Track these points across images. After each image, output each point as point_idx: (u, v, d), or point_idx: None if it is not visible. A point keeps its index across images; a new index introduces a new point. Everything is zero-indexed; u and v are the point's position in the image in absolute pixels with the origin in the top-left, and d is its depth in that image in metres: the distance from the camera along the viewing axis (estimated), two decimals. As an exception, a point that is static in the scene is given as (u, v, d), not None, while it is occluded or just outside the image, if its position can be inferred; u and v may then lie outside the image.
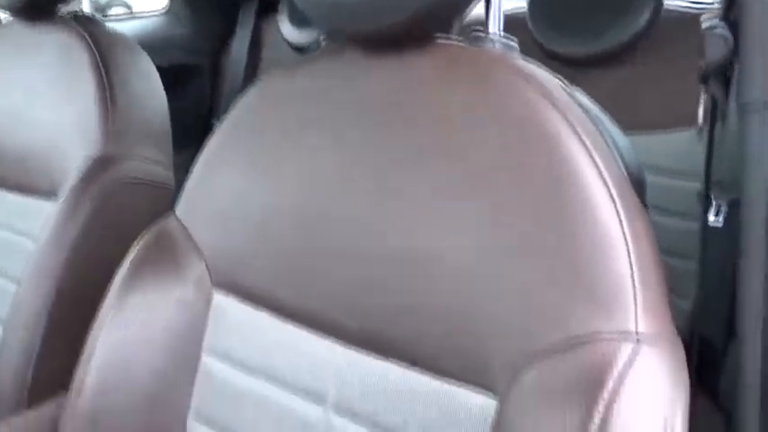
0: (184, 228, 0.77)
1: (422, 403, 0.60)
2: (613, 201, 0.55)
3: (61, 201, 1.02)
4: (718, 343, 0.89)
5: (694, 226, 0.82)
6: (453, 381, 0.59)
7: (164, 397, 0.74)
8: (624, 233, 0.55)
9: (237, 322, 0.72)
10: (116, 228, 1.01)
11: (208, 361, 0.74)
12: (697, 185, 0.88)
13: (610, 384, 0.50)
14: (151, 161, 1.10)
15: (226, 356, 0.73)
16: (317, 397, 0.66)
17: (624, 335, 0.52)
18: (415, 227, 0.61)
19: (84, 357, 0.74)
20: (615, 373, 0.50)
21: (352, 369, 0.64)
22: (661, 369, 0.52)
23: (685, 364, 0.55)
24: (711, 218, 0.87)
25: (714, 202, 0.84)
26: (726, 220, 0.85)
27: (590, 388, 0.50)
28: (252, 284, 0.71)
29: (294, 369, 0.68)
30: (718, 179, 0.91)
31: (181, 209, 0.78)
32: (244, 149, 0.74)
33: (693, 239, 0.84)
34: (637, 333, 0.53)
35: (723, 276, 0.91)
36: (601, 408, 0.49)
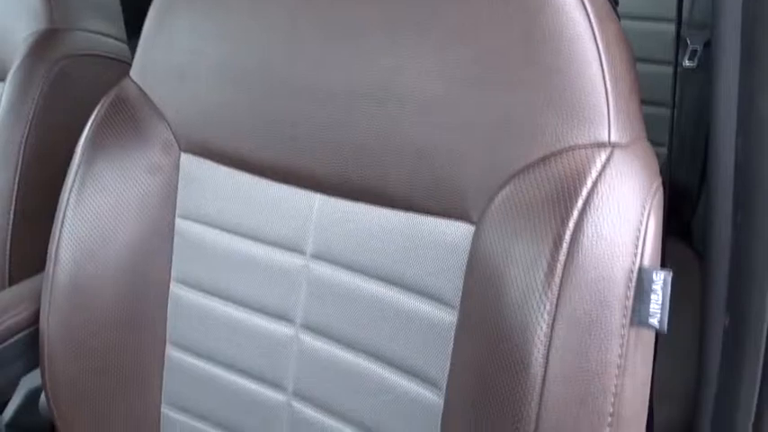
0: (141, 90, 0.74)
1: (398, 237, 0.61)
2: (584, 6, 0.53)
3: (11, 79, 0.97)
4: (692, 187, 0.90)
5: (669, 71, 0.80)
6: (429, 215, 0.59)
7: (142, 265, 0.74)
8: (596, 40, 0.53)
9: (209, 182, 0.71)
10: (73, 103, 0.97)
11: (183, 225, 0.73)
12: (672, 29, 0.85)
13: (584, 192, 0.50)
14: (102, 34, 1.05)
15: (201, 218, 0.72)
16: (296, 247, 0.67)
17: (598, 145, 0.52)
18: (377, 60, 0.59)
19: (56, 231, 0.73)
20: (589, 181, 0.51)
21: (327, 215, 0.64)
22: (634, 175, 0.52)
23: (658, 171, 0.55)
24: (686, 62, 0.85)
25: (690, 46, 0.82)
26: (700, 62, 0.83)
27: (564, 197, 0.51)
28: (219, 142, 0.69)
29: (270, 222, 0.68)
30: (692, 20, 0.88)
31: (135, 71, 0.75)
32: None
33: (668, 85, 0.82)
34: (610, 143, 0.52)
35: (698, 121, 0.90)
36: (575, 215, 0.50)
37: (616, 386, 0.50)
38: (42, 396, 0.86)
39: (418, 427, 0.60)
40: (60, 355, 0.76)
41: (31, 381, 0.87)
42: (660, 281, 0.50)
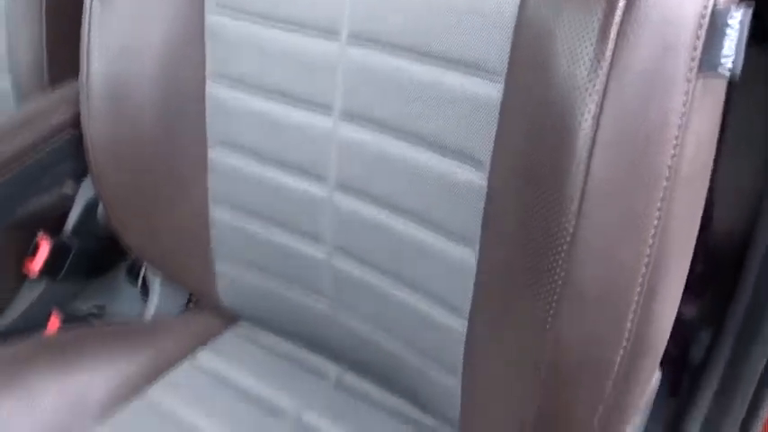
0: None
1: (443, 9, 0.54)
2: None
3: None
4: None
5: None
6: None
7: (175, 67, 0.71)
8: None
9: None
10: None
11: (214, 20, 0.69)
12: None
13: None
14: None
15: (232, 13, 0.67)
16: (332, 30, 0.61)
17: None
18: None
19: (84, 37, 0.71)
20: None
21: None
22: None
23: None
24: None
25: None
26: None
27: None
28: None
29: (304, 7, 0.62)
30: None
31: None
32: None
33: None
34: None
35: None
36: None
37: (677, 138, 0.44)
38: (100, 204, 0.87)
39: (462, 208, 0.56)
40: (105, 162, 0.75)
41: (88, 190, 0.88)
42: (736, 20, 0.43)
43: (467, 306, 0.57)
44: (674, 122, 0.43)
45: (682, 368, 0.85)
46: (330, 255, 0.67)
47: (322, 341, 0.75)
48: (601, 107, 0.44)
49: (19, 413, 0.71)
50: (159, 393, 0.74)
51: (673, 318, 0.50)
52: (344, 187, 0.64)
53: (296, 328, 0.78)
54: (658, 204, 0.45)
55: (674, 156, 0.44)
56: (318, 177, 0.66)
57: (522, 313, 0.50)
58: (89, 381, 0.74)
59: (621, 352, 0.47)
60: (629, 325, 0.47)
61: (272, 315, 0.79)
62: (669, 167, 0.44)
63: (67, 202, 0.90)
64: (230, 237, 0.75)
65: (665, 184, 0.44)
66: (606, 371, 0.48)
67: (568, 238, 0.46)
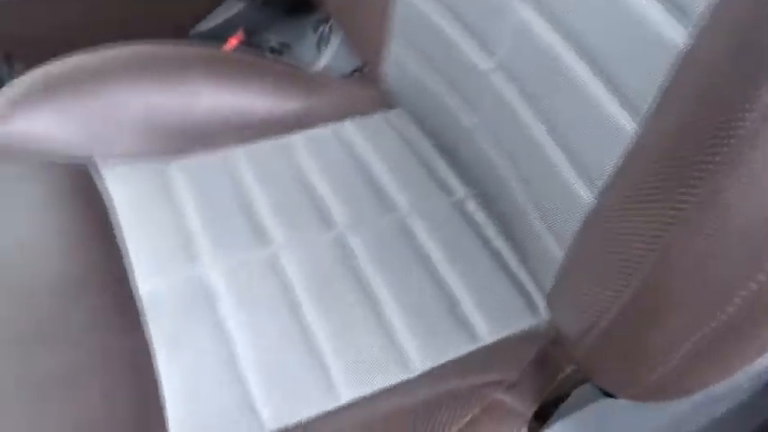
0: None
1: None
2: None
3: None
4: None
5: None
6: None
7: None
8: None
9: None
10: None
11: None
12: None
13: None
14: None
15: None
16: None
17: None
18: None
19: None
20: None
21: None
22: None
23: None
24: None
25: None
26: None
27: None
28: None
29: None
30: None
31: None
32: None
33: None
34: None
35: None
36: None
37: None
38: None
39: (647, 67, 0.48)
40: None
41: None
42: None
43: (602, 180, 0.51)
44: None
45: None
46: (494, 70, 0.62)
47: (460, 159, 0.72)
48: None
49: (176, 111, 0.74)
50: (294, 141, 0.75)
51: None
52: (541, 6, 0.57)
53: (441, 137, 0.75)
54: None
55: None
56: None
57: (652, 206, 0.44)
58: (242, 102, 0.76)
59: (745, 291, 0.40)
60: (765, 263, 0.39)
61: (425, 114, 0.76)
62: None
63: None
64: (411, 16, 0.71)
65: None
66: (722, 296, 0.41)
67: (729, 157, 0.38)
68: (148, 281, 0.62)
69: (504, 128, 0.62)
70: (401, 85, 0.77)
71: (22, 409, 0.53)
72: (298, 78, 0.80)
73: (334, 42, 0.87)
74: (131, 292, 0.61)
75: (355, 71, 0.90)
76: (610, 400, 0.60)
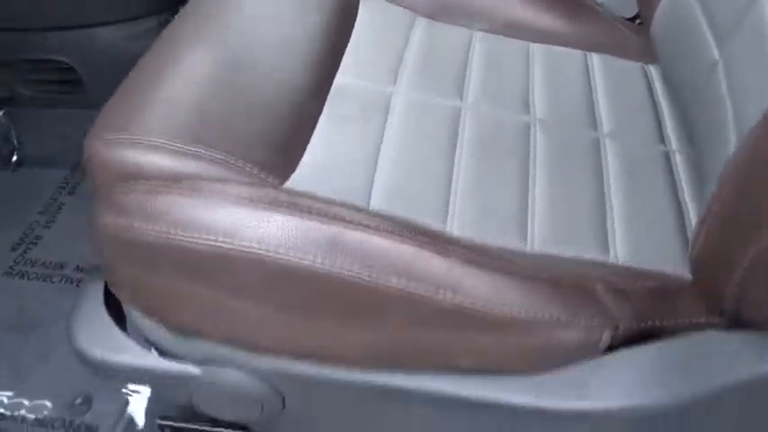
0: None
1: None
2: None
3: None
4: None
5: None
6: None
7: None
8: None
9: None
10: None
11: None
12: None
13: None
14: None
15: None
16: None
17: None
18: None
19: None
20: None
21: None
22: None
23: None
24: None
25: None
26: None
27: None
28: None
29: None
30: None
31: None
32: None
33: None
34: None
35: None
36: None
37: None
38: None
39: None
40: None
41: None
42: None
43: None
44: None
45: None
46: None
47: (690, 119, 0.67)
48: None
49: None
50: (534, 48, 0.75)
51: None
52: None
53: (680, 92, 0.70)
54: None
55: None
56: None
57: None
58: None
59: None
60: None
61: (676, 71, 0.72)
62: None
63: None
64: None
65: None
66: None
67: None
68: (347, 76, 0.67)
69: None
70: (665, 35, 0.74)
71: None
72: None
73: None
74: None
75: (634, 19, 0.88)
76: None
